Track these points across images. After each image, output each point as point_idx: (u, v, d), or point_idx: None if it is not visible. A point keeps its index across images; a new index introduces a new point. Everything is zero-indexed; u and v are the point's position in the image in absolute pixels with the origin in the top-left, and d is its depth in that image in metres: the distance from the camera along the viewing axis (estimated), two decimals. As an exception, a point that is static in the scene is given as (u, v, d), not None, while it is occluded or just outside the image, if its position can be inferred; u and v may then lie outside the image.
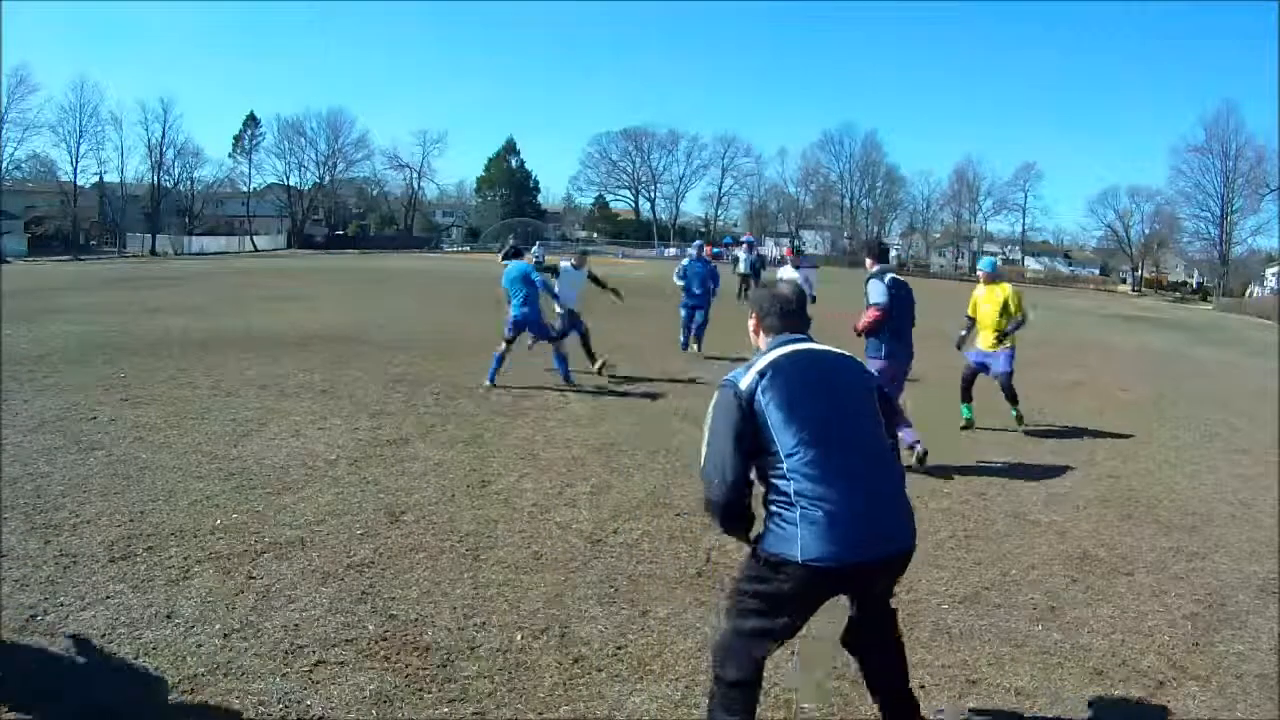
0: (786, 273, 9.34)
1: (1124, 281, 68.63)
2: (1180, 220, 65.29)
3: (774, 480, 2.40)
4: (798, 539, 2.32)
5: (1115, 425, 8.58)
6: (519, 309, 8.82)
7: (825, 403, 2.44)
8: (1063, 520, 5.32)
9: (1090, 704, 3.18)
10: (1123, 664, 3.49)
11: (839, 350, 2.61)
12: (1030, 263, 73.83)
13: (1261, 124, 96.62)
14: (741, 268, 24.17)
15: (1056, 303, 34.80)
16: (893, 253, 76.43)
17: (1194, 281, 67.51)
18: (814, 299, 10.19)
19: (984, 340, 7.86)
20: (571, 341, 9.61)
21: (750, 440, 2.40)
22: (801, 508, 2.33)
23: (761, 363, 2.50)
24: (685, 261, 12.35)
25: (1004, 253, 75.87)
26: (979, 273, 8.26)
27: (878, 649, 2.69)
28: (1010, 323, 7.68)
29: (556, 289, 9.70)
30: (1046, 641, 3.65)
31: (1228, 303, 50.33)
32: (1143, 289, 65.21)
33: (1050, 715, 3.09)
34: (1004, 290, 7.79)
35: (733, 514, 2.44)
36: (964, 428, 7.88)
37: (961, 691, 3.20)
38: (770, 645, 2.50)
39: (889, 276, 6.42)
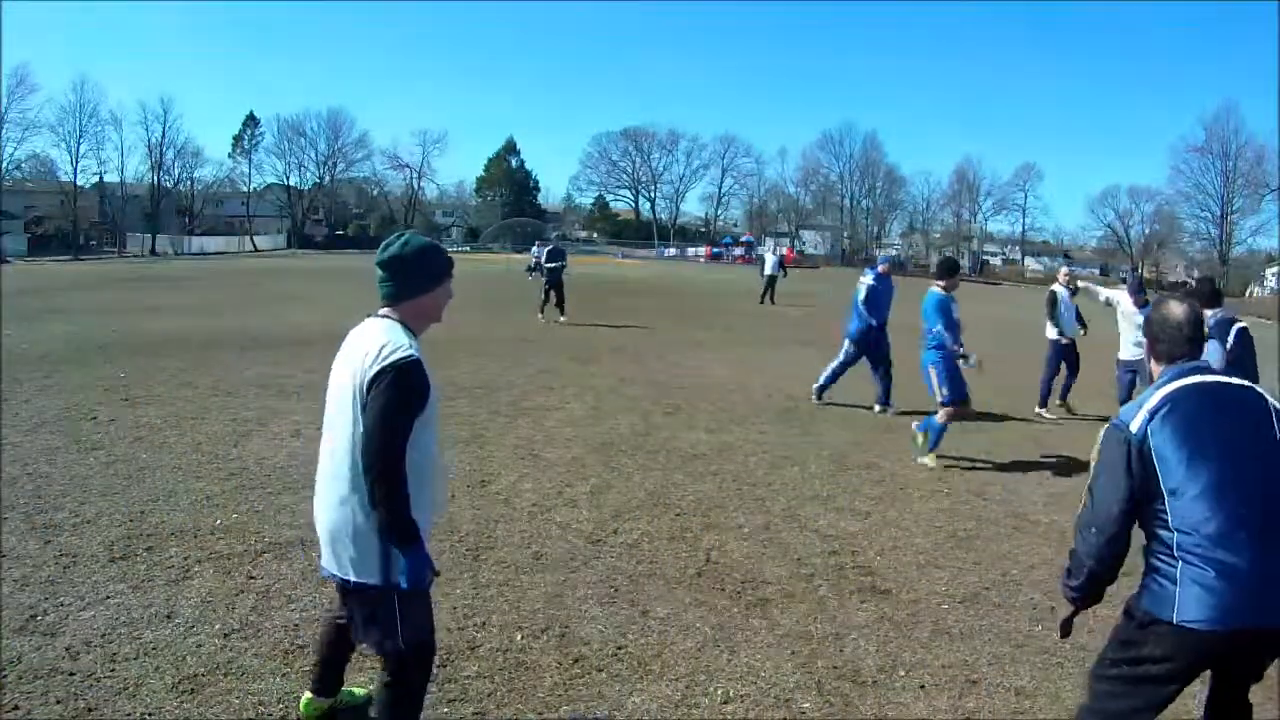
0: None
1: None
2: (1180, 220, 65.42)
3: (1157, 529, 2.15)
4: (1174, 598, 2.08)
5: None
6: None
7: (1224, 444, 2.14)
8: (1063, 520, 5.30)
9: None
10: (1123, 664, 3.49)
11: (1241, 381, 2.29)
12: (1030, 263, 73.74)
13: (1261, 124, 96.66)
14: (769, 269, 23.69)
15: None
16: (892, 251, 76.71)
17: (1193, 281, 67.49)
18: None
19: None
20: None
21: (1139, 491, 2.15)
22: (1185, 562, 2.08)
23: (1155, 398, 2.21)
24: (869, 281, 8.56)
25: (1004, 252, 75.96)
26: None
27: None
28: None
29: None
30: (1046, 641, 3.65)
31: (1228, 303, 50.23)
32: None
33: (1050, 715, 3.09)
34: None
35: (1099, 578, 2.24)
36: None
37: (961, 691, 3.20)
38: None
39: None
